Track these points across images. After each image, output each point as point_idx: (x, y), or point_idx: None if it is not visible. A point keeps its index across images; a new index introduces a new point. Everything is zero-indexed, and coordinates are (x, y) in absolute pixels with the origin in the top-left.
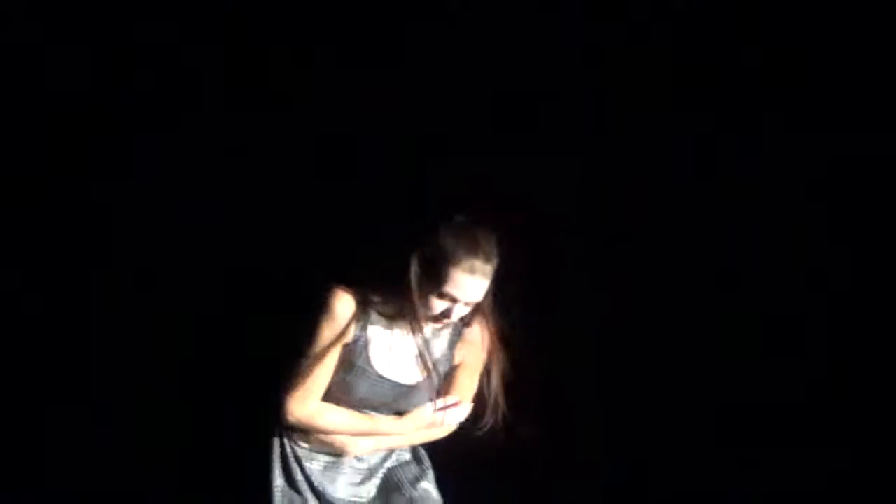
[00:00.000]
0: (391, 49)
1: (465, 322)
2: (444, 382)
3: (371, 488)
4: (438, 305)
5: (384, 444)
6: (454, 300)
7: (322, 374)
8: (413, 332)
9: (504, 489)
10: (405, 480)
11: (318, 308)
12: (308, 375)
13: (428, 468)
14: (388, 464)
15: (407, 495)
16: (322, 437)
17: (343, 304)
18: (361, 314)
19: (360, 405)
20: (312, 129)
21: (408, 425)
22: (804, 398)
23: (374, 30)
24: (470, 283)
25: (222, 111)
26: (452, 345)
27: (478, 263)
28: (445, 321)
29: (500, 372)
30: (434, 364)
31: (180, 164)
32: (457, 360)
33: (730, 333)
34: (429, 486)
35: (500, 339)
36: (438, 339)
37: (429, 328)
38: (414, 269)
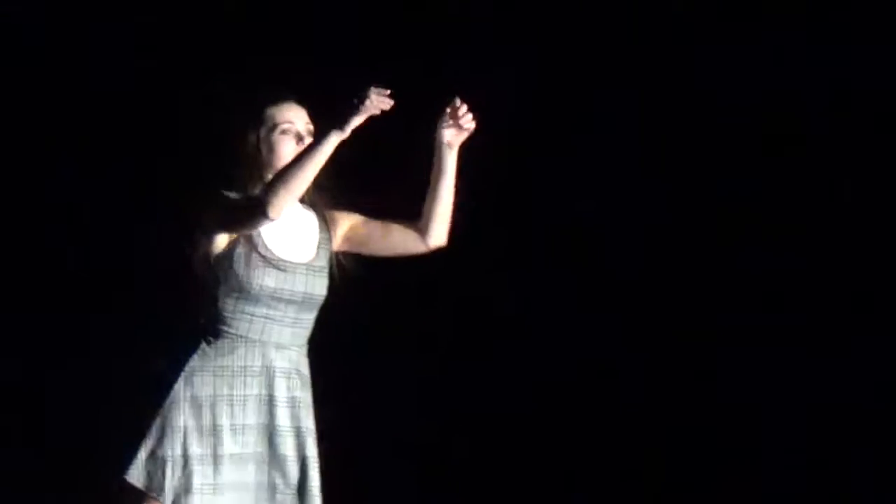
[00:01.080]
0: None
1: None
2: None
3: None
4: (286, 144)
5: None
6: (293, 129)
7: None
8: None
9: None
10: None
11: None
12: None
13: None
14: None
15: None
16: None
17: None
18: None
19: (271, 303)
20: None
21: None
22: None
23: None
24: (290, 107)
25: None
26: (323, 227)
27: (284, 94)
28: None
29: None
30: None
31: None
32: (341, 234)
33: None
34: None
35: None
36: (310, 224)
37: (294, 219)
38: (248, 138)
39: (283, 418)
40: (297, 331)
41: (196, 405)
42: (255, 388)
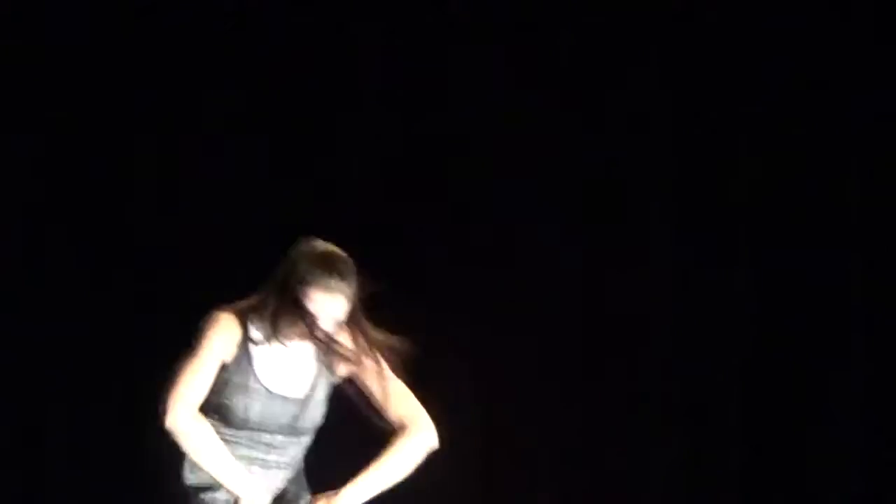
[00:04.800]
0: None
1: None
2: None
3: None
4: (296, 327)
5: None
6: (314, 321)
7: (202, 383)
8: (311, 334)
9: None
10: None
11: (201, 327)
12: (189, 384)
13: None
14: None
15: None
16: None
17: (222, 322)
18: (242, 334)
19: (257, 428)
20: None
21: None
22: None
23: None
24: (327, 300)
25: None
26: (322, 358)
27: (333, 282)
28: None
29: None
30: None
31: None
32: (341, 372)
33: None
34: None
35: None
36: (309, 354)
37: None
38: (275, 291)
39: None
40: (283, 452)
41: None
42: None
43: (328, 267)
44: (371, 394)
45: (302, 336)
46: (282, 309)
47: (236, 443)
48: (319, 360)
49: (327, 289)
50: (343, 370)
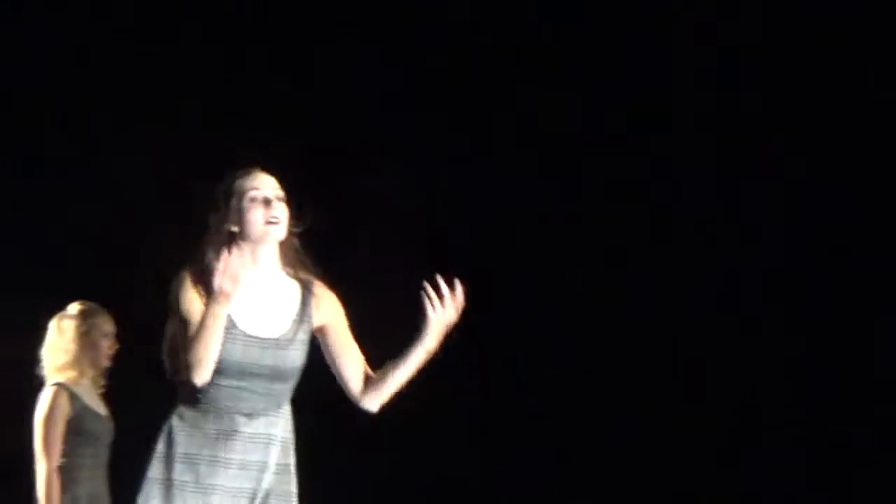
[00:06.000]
0: None
1: (307, 275)
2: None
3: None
4: (254, 210)
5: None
6: (262, 196)
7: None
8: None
9: None
10: None
11: (173, 291)
12: (193, 343)
13: None
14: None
15: None
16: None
17: (182, 281)
18: (205, 284)
19: (239, 375)
20: None
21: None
22: None
23: None
24: (258, 177)
25: None
26: (305, 301)
27: (250, 170)
28: (274, 218)
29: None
30: (300, 318)
31: None
32: (319, 321)
33: None
34: None
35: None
36: (288, 297)
37: (277, 288)
38: (219, 210)
39: (250, 482)
40: (269, 399)
41: (169, 461)
42: (224, 452)
43: (241, 171)
44: (329, 347)
45: (261, 222)
46: (238, 219)
47: (222, 391)
48: (303, 303)
49: (250, 174)
50: (319, 317)
